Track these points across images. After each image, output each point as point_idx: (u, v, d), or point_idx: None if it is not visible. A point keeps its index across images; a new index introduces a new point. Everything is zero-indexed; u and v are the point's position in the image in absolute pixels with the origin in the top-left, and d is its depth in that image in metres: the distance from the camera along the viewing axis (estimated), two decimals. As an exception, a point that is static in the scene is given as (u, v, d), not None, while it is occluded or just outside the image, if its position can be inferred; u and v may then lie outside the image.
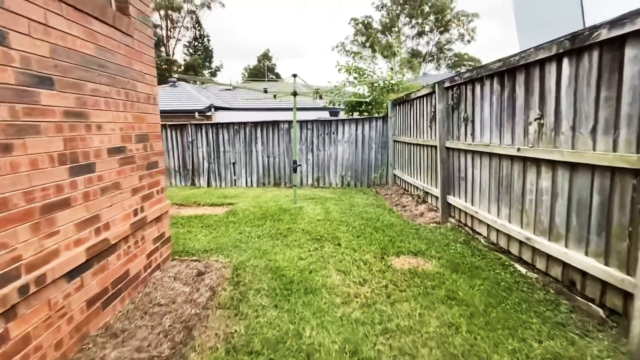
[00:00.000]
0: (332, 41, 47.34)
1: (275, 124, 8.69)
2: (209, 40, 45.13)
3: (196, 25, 43.71)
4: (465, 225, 4.37)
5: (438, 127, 4.65)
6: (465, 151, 4.15)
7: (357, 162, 8.35)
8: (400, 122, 7.14)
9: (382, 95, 8.54)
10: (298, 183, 8.68)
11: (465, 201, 4.29)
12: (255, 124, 8.79)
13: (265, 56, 49.96)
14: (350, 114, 9.23)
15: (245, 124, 8.84)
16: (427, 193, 5.65)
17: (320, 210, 5.76)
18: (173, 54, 43.19)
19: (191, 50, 44.15)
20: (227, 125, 8.99)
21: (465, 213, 4.31)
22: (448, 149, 4.62)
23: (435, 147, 5.01)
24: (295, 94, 5.77)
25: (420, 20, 40.21)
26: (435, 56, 42.23)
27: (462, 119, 4.19)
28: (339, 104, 9.16)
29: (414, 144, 6.17)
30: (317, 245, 4.05)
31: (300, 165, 5.61)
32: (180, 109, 12.26)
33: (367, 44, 38.03)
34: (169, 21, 42.48)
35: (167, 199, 3.47)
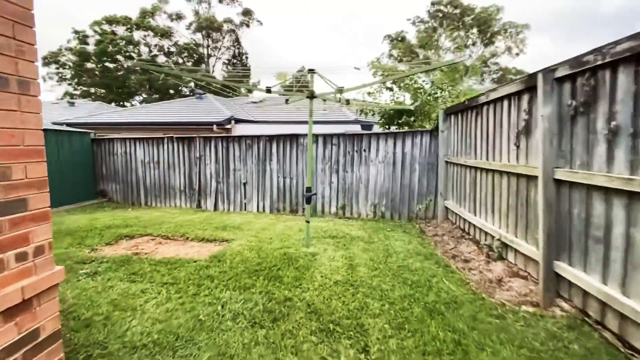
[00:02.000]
0: (367, 57, 46.26)
1: (293, 138, 7.16)
2: (247, 57, 46.06)
3: (235, 44, 44.80)
4: (604, 326, 2.39)
5: (542, 146, 2.77)
6: (613, 192, 2.22)
7: (394, 187, 6.50)
8: (458, 138, 5.26)
9: (429, 105, 6.72)
10: (319, 210, 7.00)
11: (604, 282, 2.33)
12: (270, 138, 7.32)
13: (301, 72, 49.98)
14: (387, 127, 7.50)
15: (259, 137, 7.41)
16: (506, 245, 3.69)
17: (342, 262, 3.99)
18: (213, 71, 44.46)
19: (230, 68, 45.21)
20: (238, 139, 7.62)
21: (603, 304, 2.33)
22: (560, 182, 2.70)
23: (530, 177, 3.11)
24: (312, 96, 4.18)
25: (462, 33, 37.90)
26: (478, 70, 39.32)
27: (603, 132, 2.29)
28: (373, 114, 7.45)
29: (482, 169, 4.26)
30: (328, 350, 2.29)
31: (315, 194, 4.07)
32: (199, 121, 11.27)
33: (405, 59, 36.27)
34: (210, 40, 43.93)
35: (52, 264, 1.93)
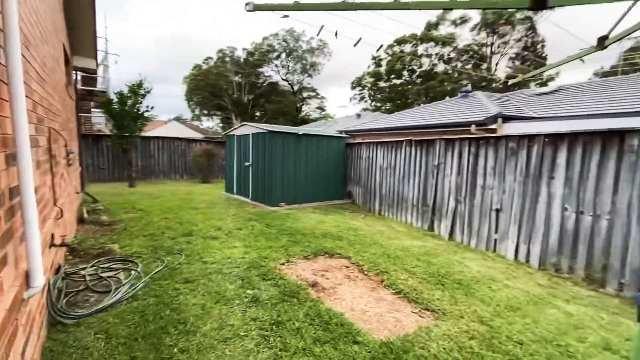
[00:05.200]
0: None
1: (611, 138, 3.61)
2: (543, 46, 37.28)
3: (529, 33, 37.42)
4: None
5: None
6: None
7: None
8: None
9: None
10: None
11: None
12: (554, 139, 4.14)
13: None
14: None
15: (531, 138, 4.43)
16: None
17: None
18: (495, 70, 39.79)
19: (517, 62, 38.48)
20: (495, 141, 4.99)
21: None
22: None
23: None
24: None
25: None
26: None
27: None
28: None
29: None
30: None
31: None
32: (452, 122, 9.22)
33: None
34: (494, 37, 39.37)
35: None
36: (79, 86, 10.62)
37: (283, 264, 4.07)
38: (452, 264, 4.23)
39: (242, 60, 38.01)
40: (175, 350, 2.22)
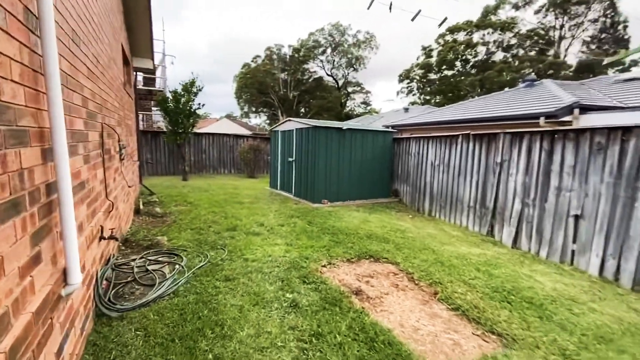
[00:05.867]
0: None
1: None
2: (625, 27, 32.38)
3: (607, 13, 32.79)
4: None
5: None
6: None
7: None
8: None
9: None
10: None
11: None
12: (664, 132, 3.33)
13: None
14: None
15: (629, 130, 3.64)
16: None
17: None
18: (565, 55, 35.48)
19: (593, 47, 33.94)
20: (576, 135, 4.22)
21: None
22: None
23: None
24: None
25: None
26: None
27: None
28: None
29: None
30: None
31: None
32: (516, 114, 8.19)
33: None
34: (565, 19, 35.14)
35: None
36: (140, 86, 11.44)
37: (324, 266, 3.84)
38: (519, 277, 3.66)
39: (288, 57, 38.55)
40: (210, 356, 2.10)
